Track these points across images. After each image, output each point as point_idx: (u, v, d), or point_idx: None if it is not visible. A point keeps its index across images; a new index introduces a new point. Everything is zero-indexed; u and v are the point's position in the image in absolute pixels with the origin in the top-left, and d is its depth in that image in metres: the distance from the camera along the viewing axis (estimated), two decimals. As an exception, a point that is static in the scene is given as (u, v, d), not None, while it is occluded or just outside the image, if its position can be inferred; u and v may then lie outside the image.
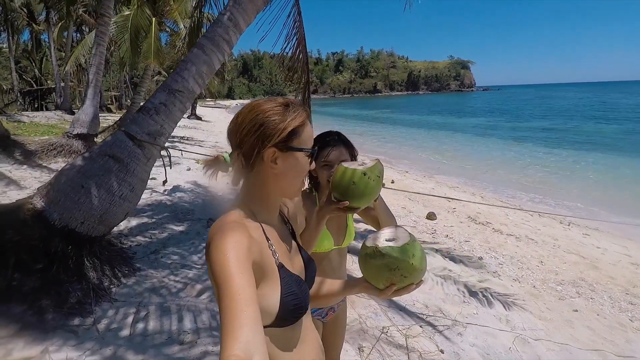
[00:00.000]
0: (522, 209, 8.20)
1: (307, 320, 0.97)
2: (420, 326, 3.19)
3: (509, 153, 16.29)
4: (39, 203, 2.94)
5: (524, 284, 4.50)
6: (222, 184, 0.98)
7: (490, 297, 3.94)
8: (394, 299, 3.59)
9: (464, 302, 3.81)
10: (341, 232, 1.62)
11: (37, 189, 3.15)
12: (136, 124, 3.28)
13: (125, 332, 2.54)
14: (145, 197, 5.98)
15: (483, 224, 6.79)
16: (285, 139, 0.87)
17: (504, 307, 3.78)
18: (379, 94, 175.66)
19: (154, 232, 4.45)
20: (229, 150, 0.93)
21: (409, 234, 0.99)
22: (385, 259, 0.92)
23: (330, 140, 1.50)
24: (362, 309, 3.30)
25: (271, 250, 0.87)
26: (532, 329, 3.40)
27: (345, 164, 1.17)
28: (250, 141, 0.87)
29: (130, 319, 2.69)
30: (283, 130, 0.86)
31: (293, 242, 1.03)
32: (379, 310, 3.32)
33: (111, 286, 3.04)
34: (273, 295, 0.82)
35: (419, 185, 9.97)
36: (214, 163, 0.92)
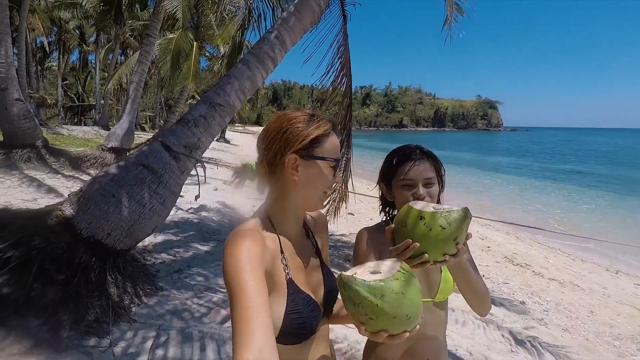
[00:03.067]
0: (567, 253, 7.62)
1: (319, 344, 0.93)
2: (467, 379, 2.81)
3: (544, 194, 15.58)
4: (68, 210, 2.82)
5: (575, 335, 4.03)
6: (248, 197, 0.89)
7: (540, 348, 3.51)
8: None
9: (512, 351, 3.40)
10: (434, 280, 1.21)
11: (68, 195, 3.05)
12: (174, 135, 3.19)
13: (143, 358, 2.31)
14: (172, 214, 5.88)
15: (522, 266, 6.31)
16: (306, 146, 0.86)
17: (557, 360, 3.34)
18: (405, 128, 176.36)
19: (178, 250, 4.28)
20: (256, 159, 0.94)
21: (402, 269, 0.78)
22: (348, 291, 0.76)
23: (412, 154, 1.18)
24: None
25: (283, 263, 0.86)
26: (594, 391, 2.94)
27: (413, 204, 0.92)
28: (274, 147, 0.87)
29: (149, 344, 2.46)
30: (305, 137, 0.86)
31: (313, 258, 0.99)
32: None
33: (131, 305, 2.84)
34: (277, 310, 0.81)
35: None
36: (241, 171, 0.95)
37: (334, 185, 0.92)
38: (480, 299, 1.13)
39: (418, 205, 0.91)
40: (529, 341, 3.61)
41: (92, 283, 2.69)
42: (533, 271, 6.10)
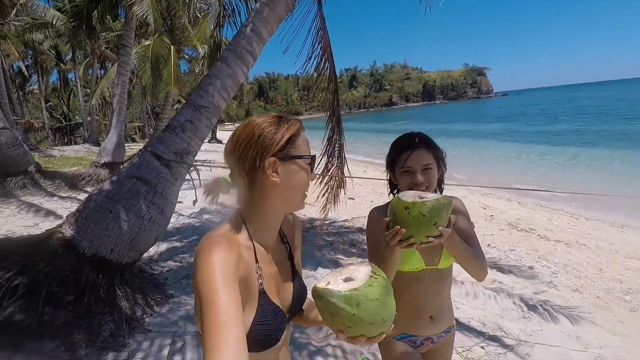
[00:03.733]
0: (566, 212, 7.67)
1: (281, 350, 0.94)
2: (482, 347, 2.85)
3: (540, 157, 15.59)
4: (67, 231, 2.82)
5: (585, 294, 4.07)
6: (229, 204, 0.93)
7: (552, 311, 3.55)
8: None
9: (524, 317, 3.44)
10: (436, 251, 1.34)
11: (66, 216, 3.05)
12: (162, 143, 3.16)
13: (162, 367, 2.33)
14: (173, 221, 5.89)
15: (526, 231, 6.34)
16: (283, 148, 0.86)
17: (570, 321, 3.38)
18: (395, 106, 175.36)
19: (184, 255, 4.29)
20: (227, 173, 0.92)
21: (374, 275, 0.81)
22: (324, 303, 0.77)
23: (409, 143, 1.29)
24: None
25: (257, 273, 0.85)
26: (609, 346, 2.99)
27: (402, 195, 1.05)
28: (250, 155, 0.85)
29: (166, 351, 2.48)
30: (280, 139, 0.85)
31: (286, 264, 0.99)
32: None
33: (144, 316, 2.86)
34: (246, 319, 0.79)
35: (448, 193, 9.53)
36: (213, 186, 0.90)
37: (309, 183, 0.93)
38: (474, 267, 1.26)
39: (407, 196, 1.04)
40: (541, 305, 3.64)
41: (103, 299, 2.71)
42: (538, 235, 6.12)
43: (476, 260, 1.25)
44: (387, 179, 1.46)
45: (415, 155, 1.27)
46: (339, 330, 0.78)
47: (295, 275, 1.00)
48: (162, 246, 4.58)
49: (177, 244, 4.75)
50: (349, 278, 0.81)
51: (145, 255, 4.09)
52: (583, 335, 3.13)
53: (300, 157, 0.88)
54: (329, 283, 0.79)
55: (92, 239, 2.79)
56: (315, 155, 0.94)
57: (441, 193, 1.40)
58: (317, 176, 1.07)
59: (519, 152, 17.52)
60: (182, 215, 6.40)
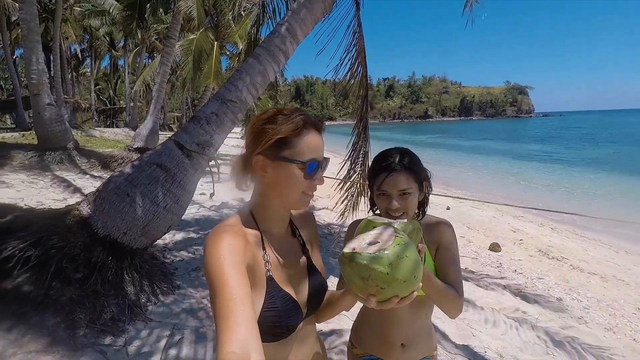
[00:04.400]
0: (605, 243, 7.13)
1: (302, 344, 0.93)
2: (495, 382, 2.63)
3: (584, 181, 14.67)
4: (85, 209, 2.86)
5: (620, 335, 3.72)
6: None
7: (581, 349, 3.25)
8: (460, 342, 3.06)
9: (548, 353, 3.16)
10: None
11: (86, 195, 3.10)
12: (186, 133, 3.16)
13: (156, 358, 2.29)
14: (193, 212, 5.97)
15: (558, 260, 5.93)
16: (272, 147, 0.84)
17: (601, 364, 3.08)
18: (431, 119, 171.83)
19: (198, 247, 4.29)
20: None
21: (398, 234, 0.80)
22: (355, 268, 0.76)
23: (387, 165, 1.17)
24: (421, 354, 2.80)
25: (265, 260, 0.85)
26: (642, 399, 2.68)
27: (373, 218, 0.92)
28: (248, 145, 0.88)
29: (162, 343, 2.45)
30: (271, 137, 0.83)
31: (299, 257, 0.97)
32: (443, 357, 2.80)
33: (148, 303, 2.85)
34: (255, 307, 0.78)
35: (477, 212, 9.16)
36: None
37: (314, 186, 0.89)
38: (447, 306, 1.16)
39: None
40: (568, 342, 3.34)
41: (109, 282, 2.72)
42: (571, 265, 5.71)
43: (451, 300, 1.14)
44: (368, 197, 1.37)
45: (392, 180, 1.15)
46: (371, 295, 0.77)
47: (312, 271, 0.98)
48: (178, 235, 4.61)
49: (194, 235, 4.77)
50: (373, 242, 0.81)
51: (161, 242, 4.13)
52: (614, 382, 2.83)
53: (289, 160, 0.84)
54: (354, 249, 0.78)
55: (106, 220, 2.81)
56: (313, 160, 0.86)
57: (423, 216, 1.29)
58: (324, 179, 0.96)
59: (555, 172, 16.62)
60: (204, 207, 6.48)
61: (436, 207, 9.29)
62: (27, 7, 6.74)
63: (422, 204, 1.28)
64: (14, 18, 16.63)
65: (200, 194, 7.03)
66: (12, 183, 6.07)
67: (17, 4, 6.87)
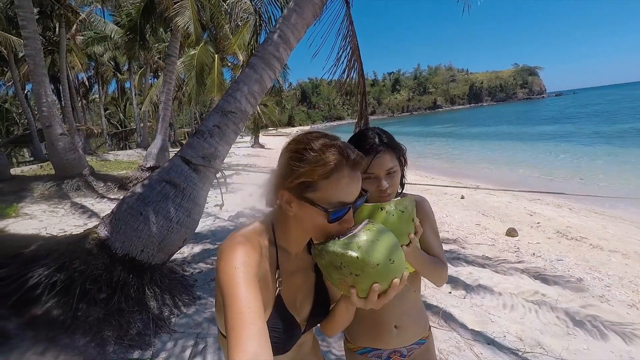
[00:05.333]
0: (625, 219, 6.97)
1: (299, 357, 0.94)
2: (517, 366, 2.63)
3: (599, 159, 14.32)
4: (102, 232, 2.98)
5: (644, 311, 3.65)
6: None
7: (603, 328, 3.20)
8: (478, 328, 3.07)
9: (568, 334, 3.13)
10: None
11: (102, 217, 3.23)
12: (191, 148, 3.26)
13: (182, 367, 2.38)
14: (209, 224, 6.09)
15: (577, 240, 5.82)
16: (297, 187, 0.79)
17: (623, 340, 3.03)
18: (440, 109, 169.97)
19: (215, 257, 4.39)
20: None
21: (371, 223, 0.79)
22: (327, 257, 0.75)
23: (371, 147, 1.17)
24: (441, 343, 2.82)
25: (277, 278, 0.84)
26: (670, 372, 2.64)
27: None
28: (276, 176, 0.84)
29: (187, 352, 2.54)
30: (297, 177, 0.78)
31: (310, 274, 0.96)
32: (462, 344, 2.81)
33: (171, 316, 2.95)
34: None
35: (492, 199, 9.05)
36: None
37: (343, 228, 0.81)
38: (432, 275, 1.21)
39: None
40: (589, 321, 3.30)
41: (132, 298, 2.83)
42: (590, 244, 5.60)
43: (439, 270, 1.21)
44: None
45: (379, 161, 1.16)
46: (351, 287, 0.75)
47: (319, 287, 0.97)
48: (196, 248, 4.73)
49: (210, 246, 4.88)
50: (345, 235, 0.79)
51: (179, 256, 4.25)
52: (638, 356, 2.79)
53: (313, 203, 0.78)
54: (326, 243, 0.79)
55: (123, 240, 2.93)
56: (342, 205, 0.79)
57: (402, 190, 1.32)
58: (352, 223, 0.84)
59: (572, 153, 16.26)
60: (219, 217, 6.59)
61: (450, 197, 9.24)
62: (31, 43, 7.01)
63: (401, 180, 1.30)
64: (21, 54, 17.23)
65: (214, 205, 7.17)
66: (34, 214, 6.31)
67: (22, 41, 7.13)
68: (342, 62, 3.76)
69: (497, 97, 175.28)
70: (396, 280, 0.76)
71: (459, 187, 10.47)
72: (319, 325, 1.02)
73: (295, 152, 0.80)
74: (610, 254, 5.16)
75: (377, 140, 1.19)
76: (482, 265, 4.65)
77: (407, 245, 1.00)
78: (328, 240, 0.76)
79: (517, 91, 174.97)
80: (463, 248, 5.49)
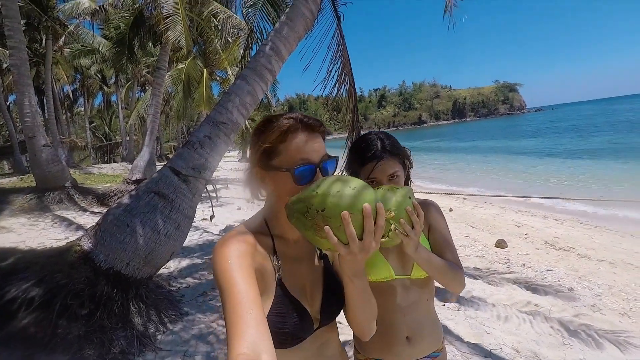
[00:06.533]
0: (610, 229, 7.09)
1: (316, 356, 0.88)
2: (514, 379, 2.59)
3: (579, 170, 14.70)
4: (86, 244, 2.86)
5: (635, 318, 3.67)
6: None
7: (597, 337, 3.20)
8: (474, 341, 3.02)
9: (564, 344, 3.11)
10: (407, 257, 1.22)
11: (86, 229, 3.10)
12: (181, 158, 3.19)
13: (168, 387, 2.26)
14: (196, 238, 5.96)
15: (565, 250, 5.90)
16: (263, 158, 0.83)
17: (618, 348, 3.03)
18: (425, 124, 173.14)
19: (203, 272, 4.27)
20: None
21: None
22: (294, 208, 0.73)
23: (374, 154, 1.18)
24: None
25: (275, 264, 0.83)
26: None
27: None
28: (250, 158, 0.88)
29: (174, 371, 2.41)
30: (258, 149, 0.84)
31: (316, 265, 0.93)
32: (459, 358, 2.76)
33: (157, 333, 2.82)
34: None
35: (480, 211, 9.14)
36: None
37: None
38: (447, 279, 1.15)
39: None
40: (583, 330, 3.30)
41: (116, 315, 2.70)
42: (578, 254, 5.68)
43: (453, 273, 1.14)
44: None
45: (381, 167, 1.16)
46: (330, 236, 0.69)
47: (328, 277, 0.94)
48: (183, 262, 4.59)
49: (198, 260, 4.75)
50: None
51: (166, 271, 4.12)
52: (634, 366, 2.78)
53: (277, 168, 0.81)
54: None
55: (108, 253, 2.81)
56: (299, 165, 0.79)
57: None
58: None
59: (551, 164, 16.66)
60: (207, 231, 6.46)
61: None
62: (17, 53, 6.88)
63: (407, 182, 1.29)
64: (5, 65, 16.91)
65: (202, 219, 7.03)
66: (12, 227, 6.06)
67: (7, 51, 7.00)
68: (333, 76, 3.77)
69: (479, 112, 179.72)
70: (366, 206, 0.68)
71: (444, 193, 10.54)
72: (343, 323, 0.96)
73: (257, 129, 0.85)
74: (599, 263, 5.23)
75: (379, 146, 1.19)
76: (474, 277, 4.64)
77: (407, 236, 0.93)
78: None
79: (499, 107, 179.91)
80: (454, 260, 5.50)
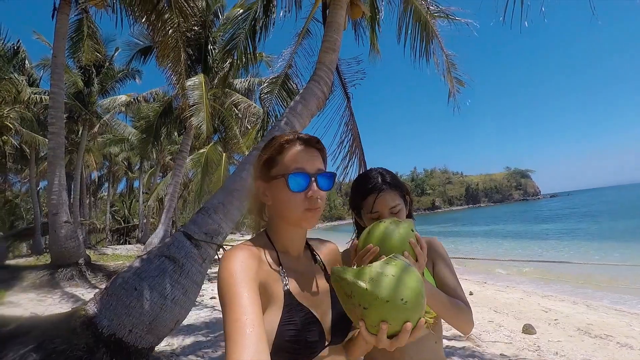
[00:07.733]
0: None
1: None
2: None
3: (610, 255, 14.00)
4: (91, 309, 2.80)
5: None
6: None
7: None
8: None
9: None
10: None
11: (94, 294, 3.06)
12: (195, 224, 3.26)
13: None
14: (204, 316, 5.71)
15: (602, 338, 5.36)
16: (263, 170, 0.89)
17: None
18: (439, 209, 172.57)
19: (207, 350, 4.01)
20: None
21: (392, 257, 0.75)
22: (339, 282, 0.73)
23: (374, 186, 1.20)
24: None
25: (282, 275, 0.84)
26: None
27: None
28: (253, 174, 0.95)
29: None
30: (259, 162, 0.90)
31: (322, 281, 0.93)
32: None
33: (151, 411, 2.58)
34: (272, 322, 0.77)
35: (503, 295, 8.60)
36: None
37: (313, 199, 0.85)
38: (456, 318, 1.11)
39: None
40: None
41: (111, 388, 2.52)
42: (617, 342, 5.15)
43: (462, 312, 1.11)
44: (352, 221, 1.39)
45: (382, 199, 1.18)
46: (360, 320, 0.72)
47: (335, 298, 0.91)
48: (187, 340, 4.36)
49: (203, 338, 4.50)
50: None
51: (168, 348, 3.90)
52: None
53: (274, 177, 0.86)
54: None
55: (112, 317, 2.73)
56: (293, 172, 0.84)
57: None
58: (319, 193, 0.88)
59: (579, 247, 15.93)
60: (216, 309, 6.21)
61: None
62: (56, 137, 7.55)
63: (409, 217, 1.29)
64: (42, 154, 18.24)
65: (211, 297, 6.80)
66: (20, 302, 5.98)
67: (46, 140, 7.69)
68: (346, 144, 3.99)
69: (493, 198, 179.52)
70: (408, 324, 0.69)
71: (466, 280, 10.04)
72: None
73: (260, 147, 0.96)
74: (642, 352, 4.71)
75: (379, 179, 1.22)
76: (502, 364, 4.21)
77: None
78: (332, 269, 0.76)
79: (513, 192, 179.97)
80: (478, 346, 5.04)
